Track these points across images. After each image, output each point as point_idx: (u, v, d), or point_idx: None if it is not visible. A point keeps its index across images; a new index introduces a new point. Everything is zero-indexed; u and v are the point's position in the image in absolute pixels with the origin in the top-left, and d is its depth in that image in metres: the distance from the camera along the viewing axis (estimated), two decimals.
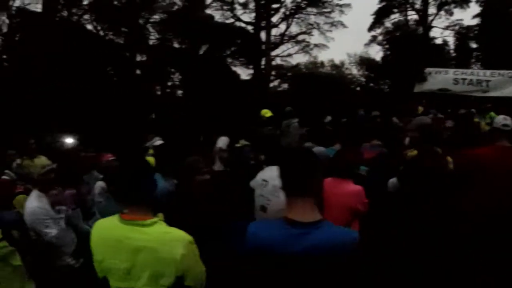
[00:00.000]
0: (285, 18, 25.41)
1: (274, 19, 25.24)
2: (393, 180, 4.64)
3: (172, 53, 21.90)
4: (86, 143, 9.40)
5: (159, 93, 22.82)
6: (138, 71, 22.21)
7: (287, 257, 1.98)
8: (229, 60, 23.70)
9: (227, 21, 24.63)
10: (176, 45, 23.12)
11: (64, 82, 18.04)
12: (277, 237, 2.04)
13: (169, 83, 23.38)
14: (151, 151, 6.98)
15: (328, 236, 2.02)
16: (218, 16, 24.52)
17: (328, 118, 10.89)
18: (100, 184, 5.21)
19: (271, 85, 25.69)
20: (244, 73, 24.75)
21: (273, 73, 25.74)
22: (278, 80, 26.64)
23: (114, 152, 6.40)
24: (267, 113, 8.72)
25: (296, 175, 2.14)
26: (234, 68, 23.96)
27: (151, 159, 6.36)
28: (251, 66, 24.50)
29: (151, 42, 23.06)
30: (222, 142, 7.16)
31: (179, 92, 23.61)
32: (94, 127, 15.75)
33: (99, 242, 2.28)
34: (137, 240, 2.14)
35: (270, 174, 3.84)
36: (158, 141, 7.27)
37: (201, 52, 22.18)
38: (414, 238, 4.13)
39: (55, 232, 3.67)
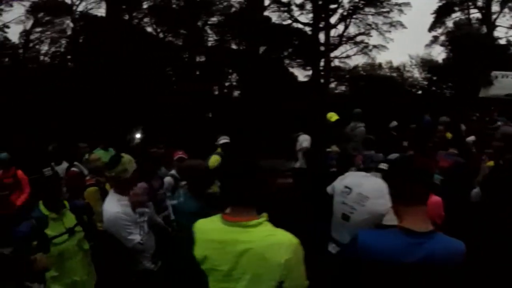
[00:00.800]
0: (343, 18, 25.00)
1: (332, 20, 24.96)
2: (476, 190, 4.64)
3: (230, 54, 22.40)
4: (154, 139, 9.83)
5: (216, 93, 23.26)
6: (196, 72, 22.81)
7: (403, 267, 1.98)
8: (287, 61, 23.82)
9: (284, 23, 24.55)
10: (233, 46, 23.65)
11: (125, 81, 18.88)
12: (394, 246, 2.02)
13: (227, 84, 23.76)
14: (219, 150, 7.24)
15: (441, 247, 2.01)
16: (275, 17, 24.47)
17: (394, 123, 10.62)
18: (168, 180, 5.52)
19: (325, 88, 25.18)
20: (302, 75, 24.65)
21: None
22: (335, 82, 26.25)
23: (184, 149, 6.67)
24: (333, 116, 8.64)
25: (412, 183, 2.09)
26: (291, 70, 24.07)
27: (217, 157, 6.69)
28: (308, 68, 24.40)
29: (209, 44, 23.64)
30: (307, 141, 7.37)
31: (236, 92, 24.00)
32: (157, 124, 16.47)
33: (202, 243, 2.25)
34: (241, 242, 2.09)
35: (354, 181, 3.79)
36: (224, 140, 7.41)
37: (258, 53, 22.45)
38: (493, 247, 4.14)
39: (139, 238, 3.47)
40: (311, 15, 24.66)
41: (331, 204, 3.94)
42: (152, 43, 21.74)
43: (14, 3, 21.63)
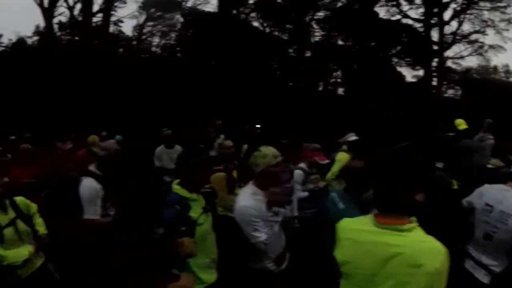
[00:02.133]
0: (456, 14, 23.92)
1: (445, 16, 23.97)
2: None
3: (336, 50, 22.57)
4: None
5: (320, 89, 23.63)
6: (302, 67, 23.28)
7: None
8: (395, 59, 23.47)
9: (393, 18, 24.00)
10: (340, 42, 23.67)
11: (231, 74, 20.07)
12: None
13: (331, 80, 24.01)
14: (344, 147, 7.02)
15: None
16: (383, 12, 24.07)
17: None
18: (299, 173, 5.78)
19: (435, 90, 23.93)
20: (410, 75, 24.43)
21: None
22: (445, 85, 25.14)
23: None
24: (461, 124, 8.17)
25: None
26: (399, 69, 23.64)
27: (345, 155, 6.48)
28: (418, 68, 23.88)
29: (315, 39, 24.04)
30: None
31: (340, 90, 24.20)
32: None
33: (348, 243, 2.24)
34: (392, 246, 2.06)
35: (494, 197, 3.70)
36: (352, 137, 7.15)
37: (365, 50, 22.39)
38: None
39: (265, 238, 3.35)
40: (421, 9, 23.86)
41: (468, 218, 3.86)
42: (258, 37, 22.64)
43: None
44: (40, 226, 4.26)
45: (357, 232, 2.21)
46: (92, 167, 4.53)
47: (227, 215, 5.32)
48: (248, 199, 3.43)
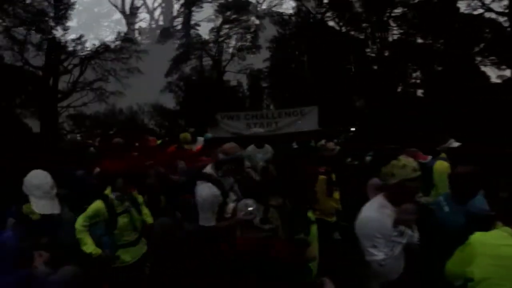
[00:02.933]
0: None
1: None
2: None
3: (414, 50, 22.00)
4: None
5: (399, 90, 23.21)
6: (379, 67, 23.15)
7: None
8: (478, 58, 22.27)
9: (475, 12, 22.51)
10: (419, 40, 23.00)
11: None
12: None
13: (411, 81, 23.53)
14: (443, 155, 6.51)
15: None
16: (463, 7, 22.64)
17: None
18: None
19: None
20: (495, 75, 22.88)
21: None
22: None
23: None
24: None
25: None
26: (483, 68, 22.35)
27: (444, 164, 6.04)
28: (503, 67, 22.44)
29: (393, 37, 23.55)
30: None
31: (420, 91, 23.58)
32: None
33: (489, 260, 2.19)
34: None
35: None
36: (454, 143, 6.73)
37: (446, 48, 21.66)
38: None
39: (381, 258, 3.03)
40: (506, 2, 22.02)
41: None
42: (334, 37, 22.62)
43: (204, 4, 25.94)
44: (148, 216, 4.70)
45: (499, 247, 2.17)
46: (208, 169, 4.28)
47: (323, 219, 5.72)
48: (374, 211, 3.23)
